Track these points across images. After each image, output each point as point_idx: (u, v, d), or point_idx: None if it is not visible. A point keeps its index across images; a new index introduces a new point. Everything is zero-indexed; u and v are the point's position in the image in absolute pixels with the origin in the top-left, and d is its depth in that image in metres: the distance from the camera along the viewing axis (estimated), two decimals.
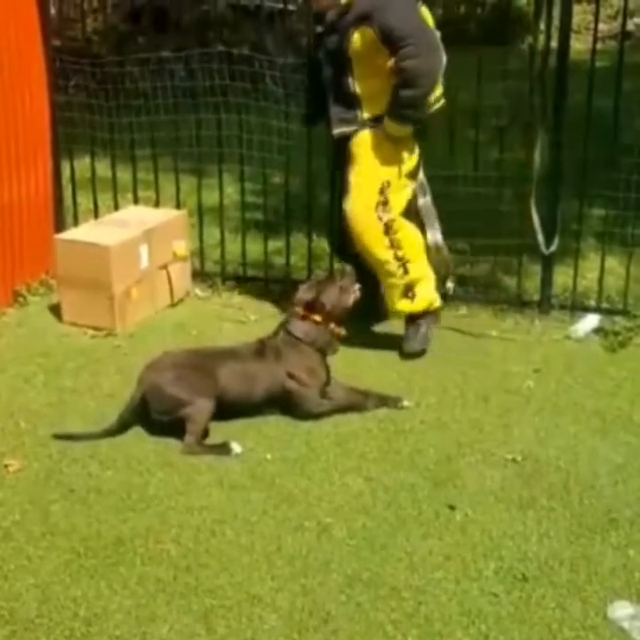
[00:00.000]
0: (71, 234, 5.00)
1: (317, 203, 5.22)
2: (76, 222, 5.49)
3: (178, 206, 5.41)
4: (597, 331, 4.76)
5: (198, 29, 11.33)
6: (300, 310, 3.98)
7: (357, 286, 4.11)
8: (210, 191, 5.48)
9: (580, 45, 5.69)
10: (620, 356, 4.53)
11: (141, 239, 4.91)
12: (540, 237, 4.85)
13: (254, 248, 5.46)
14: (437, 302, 4.57)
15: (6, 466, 3.47)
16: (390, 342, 4.58)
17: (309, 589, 2.85)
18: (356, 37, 4.17)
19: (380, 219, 4.32)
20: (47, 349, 4.51)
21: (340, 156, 4.44)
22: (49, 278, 5.20)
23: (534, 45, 4.69)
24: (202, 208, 5.37)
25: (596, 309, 4.91)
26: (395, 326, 4.66)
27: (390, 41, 4.08)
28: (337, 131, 4.36)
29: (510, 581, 2.88)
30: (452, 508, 3.25)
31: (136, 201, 5.51)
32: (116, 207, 5.45)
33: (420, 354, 4.46)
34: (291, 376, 3.88)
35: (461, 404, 4.05)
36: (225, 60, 5.24)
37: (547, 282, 4.98)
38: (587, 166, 4.77)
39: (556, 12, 4.62)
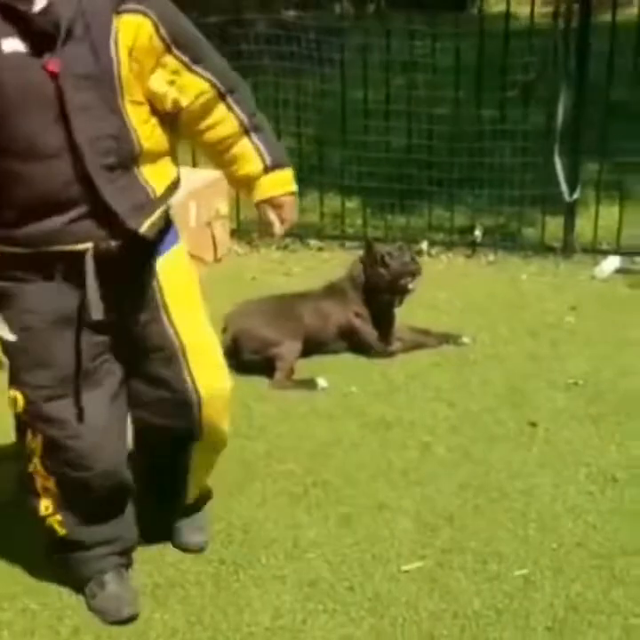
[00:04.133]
0: None
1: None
2: None
3: None
4: (619, 271, 5.16)
5: None
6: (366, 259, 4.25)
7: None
8: None
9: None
10: None
11: (190, 197, 5.15)
12: (564, 186, 5.23)
13: None
14: None
15: None
16: (437, 290, 4.90)
17: (428, 496, 3.18)
18: (126, 36, 2.22)
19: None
20: None
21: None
22: None
23: (559, 4, 5.04)
24: None
25: (616, 251, 5.30)
26: (437, 274, 4.98)
27: (184, 47, 2.32)
28: (143, 227, 2.32)
29: (602, 482, 3.24)
30: (533, 424, 3.60)
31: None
32: None
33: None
34: (357, 315, 4.19)
35: (513, 339, 4.40)
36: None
37: (569, 227, 5.35)
38: (608, 120, 5.13)
39: None
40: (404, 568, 2.82)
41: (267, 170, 2.48)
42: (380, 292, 4.18)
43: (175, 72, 2.32)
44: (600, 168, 5.29)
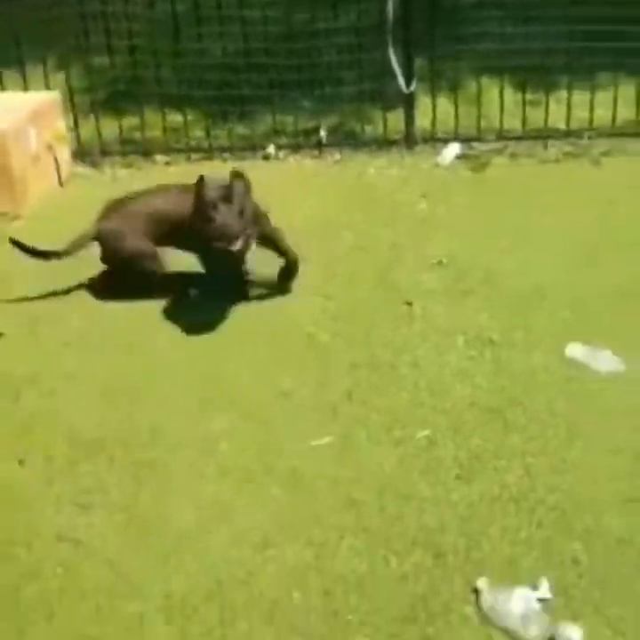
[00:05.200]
0: None
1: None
2: None
3: (47, 87, 5.46)
4: (460, 157, 5.37)
5: None
6: None
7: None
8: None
9: None
10: (486, 174, 5.15)
11: (28, 122, 4.99)
12: (401, 79, 5.37)
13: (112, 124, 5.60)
14: None
15: None
16: (290, 192, 4.96)
17: (321, 380, 3.31)
18: None
19: None
20: None
21: None
22: None
23: None
24: (71, 89, 5.49)
25: (455, 139, 5.50)
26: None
27: None
28: None
29: (480, 346, 3.47)
30: (409, 303, 3.78)
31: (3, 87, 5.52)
32: None
33: None
34: None
35: (371, 230, 4.51)
36: None
37: (410, 120, 5.50)
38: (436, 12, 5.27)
39: None
40: (313, 443, 2.95)
41: None
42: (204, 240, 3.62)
43: None
44: (431, 60, 5.44)
